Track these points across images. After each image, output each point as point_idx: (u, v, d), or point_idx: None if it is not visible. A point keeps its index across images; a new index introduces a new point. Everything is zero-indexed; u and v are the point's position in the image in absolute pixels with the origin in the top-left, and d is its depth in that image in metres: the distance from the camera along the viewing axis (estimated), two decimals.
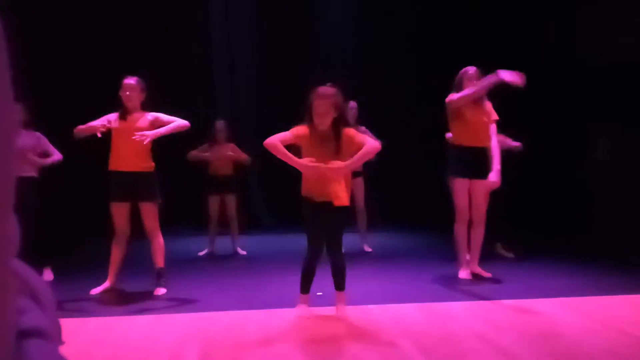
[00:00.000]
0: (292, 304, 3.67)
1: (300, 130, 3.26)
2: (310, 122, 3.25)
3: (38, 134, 4.63)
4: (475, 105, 4.31)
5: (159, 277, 4.13)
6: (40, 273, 4.57)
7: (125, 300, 3.96)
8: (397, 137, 7.83)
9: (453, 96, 4.29)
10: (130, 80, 4.03)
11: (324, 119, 3.21)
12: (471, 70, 4.36)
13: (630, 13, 6.30)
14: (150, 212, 4.06)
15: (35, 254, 4.53)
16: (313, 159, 3.17)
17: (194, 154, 5.75)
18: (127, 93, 3.98)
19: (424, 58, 7.84)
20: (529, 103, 7.34)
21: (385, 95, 8.01)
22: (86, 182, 6.03)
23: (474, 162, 4.30)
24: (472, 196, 4.39)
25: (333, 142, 3.24)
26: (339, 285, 3.42)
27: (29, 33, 6.42)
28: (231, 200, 5.86)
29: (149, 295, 4.04)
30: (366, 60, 8.14)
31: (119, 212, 4.06)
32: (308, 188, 3.29)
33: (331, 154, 3.23)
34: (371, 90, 7.93)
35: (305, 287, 3.43)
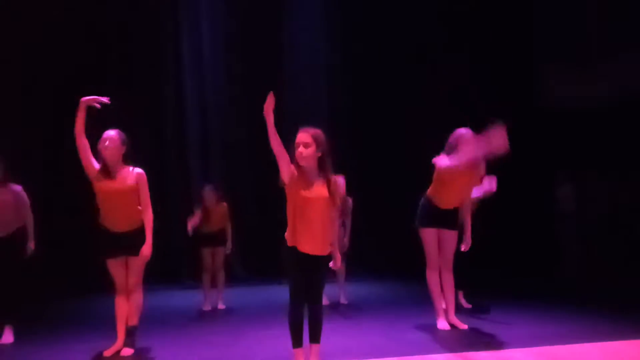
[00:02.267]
0: None
1: (291, 167, 3.18)
2: (296, 164, 3.17)
3: (19, 188, 4.53)
4: (465, 172, 4.24)
5: (129, 335, 3.94)
6: (1, 332, 4.37)
7: None
8: (371, 185, 7.94)
9: (441, 162, 4.20)
10: (110, 132, 3.84)
11: (307, 155, 3.14)
12: (467, 134, 4.21)
13: (593, 61, 6.63)
14: (137, 267, 3.90)
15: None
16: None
17: (191, 226, 5.59)
18: (107, 144, 3.77)
19: (392, 97, 8.02)
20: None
21: (358, 140, 8.10)
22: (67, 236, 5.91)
23: (443, 214, 4.37)
24: (440, 246, 4.43)
25: (322, 183, 3.19)
26: (315, 337, 3.29)
27: None
28: (221, 252, 5.79)
29: (115, 355, 3.86)
30: (339, 102, 8.26)
31: (117, 268, 3.91)
32: (297, 240, 3.19)
33: (321, 195, 3.18)
34: (344, 133, 8.05)
35: (297, 342, 3.26)
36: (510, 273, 6.98)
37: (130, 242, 3.84)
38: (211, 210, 5.69)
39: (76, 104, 3.71)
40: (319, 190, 3.18)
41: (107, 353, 3.87)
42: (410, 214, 4.66)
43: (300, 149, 3.15)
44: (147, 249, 3.82)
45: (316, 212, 3.15)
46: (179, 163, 7.95)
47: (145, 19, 7.79)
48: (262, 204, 7.42)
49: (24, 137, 6.72)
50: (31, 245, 4.59)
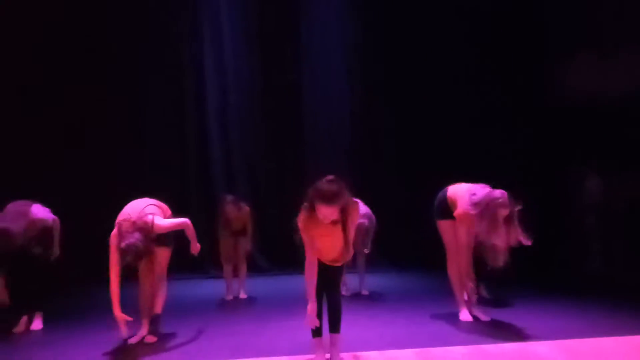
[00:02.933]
0: (287, 352, 3.58)
1: (305, 223, 3.15)
2: (313, 213, 3.10)
3: (56, 219, 4.60)
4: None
5: (153, 323, 4.03)
6: (31, 319, 4.49)
7: (116, 348, 3.85)
8: (392, 177, 7.90)
9: (466, 220, 4.08)
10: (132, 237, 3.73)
11: (328, 219, 3.10)
12: (502, 197, 3.93)
13: (610, 54, 6.47)
14: (162, 257, 4.03)
15: (28, 300, 4.55)
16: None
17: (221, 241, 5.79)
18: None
19: (409, 103, 7.96)
20: (521, 142, 7.45)
21: (379, 133, 8.06)
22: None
23: None
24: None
25: (339, 229, 3.17)
26: (335, 327, 3.30)
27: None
28: (243, 243, 5.84)
29: (139, 343, 3.94)
30: (359, 106, 8.18)
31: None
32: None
33: (338, 239, 3.20)
34: (364, 132, 8.03)
35: (315, 332, 3.30)
36: (534, 266, 6.86)
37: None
38: (232, 220, 5.74)
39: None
40: (334, 231, 3.17)
41: (133, 341, 3.95)
42: (431, 206, 4.63)
43: (326, 219, 3.09)
44: (195, 248, 4.08)
45: (330, 243, 3.20)
46: (201, 156, 8.04)
47: (163, 20, 7.85)
48: (283, 196, 7.44)
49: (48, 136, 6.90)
50: (56, 250, 4.61)
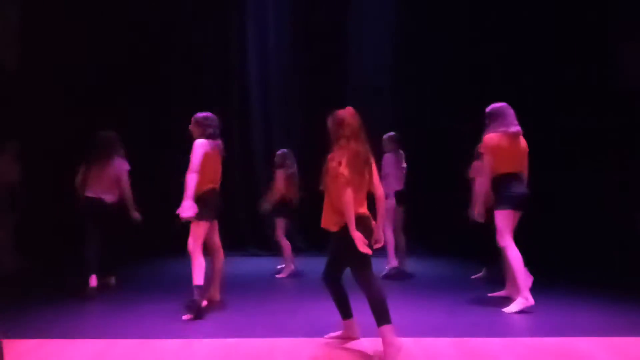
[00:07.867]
0: (321, 333, 3.59)
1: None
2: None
3: (122, 164, 5.07)
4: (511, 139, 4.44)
5: (191, 297, 4.10)
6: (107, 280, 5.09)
7: (154, 323, 3.95)
8: (435, 161, 7.72)
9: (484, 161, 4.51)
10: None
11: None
12: (503, 107, 4.52)
13: None
14: (194, 229, 4.15)
15: (104, 265, 4.99)
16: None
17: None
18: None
19: (458, 82, 7.73)
20: (564, 133, 7.11)
21: (422, 120, 7.90)
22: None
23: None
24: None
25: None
26: (376, 320, 3.17)
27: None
28: (281, 223, 5.96)
29: (178, 318, 4.03)
30: (401, 84, 8.09)
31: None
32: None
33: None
34: (406, 113, 7.87)
35: (341, 313, 3.53)
36: (588, 264, 6.60)
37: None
38: (293, 174, 5.84)
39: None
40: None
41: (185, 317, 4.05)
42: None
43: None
44: None
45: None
46: (243, 141, 8.14)
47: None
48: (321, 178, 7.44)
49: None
50: (135, 215, 5.07)
